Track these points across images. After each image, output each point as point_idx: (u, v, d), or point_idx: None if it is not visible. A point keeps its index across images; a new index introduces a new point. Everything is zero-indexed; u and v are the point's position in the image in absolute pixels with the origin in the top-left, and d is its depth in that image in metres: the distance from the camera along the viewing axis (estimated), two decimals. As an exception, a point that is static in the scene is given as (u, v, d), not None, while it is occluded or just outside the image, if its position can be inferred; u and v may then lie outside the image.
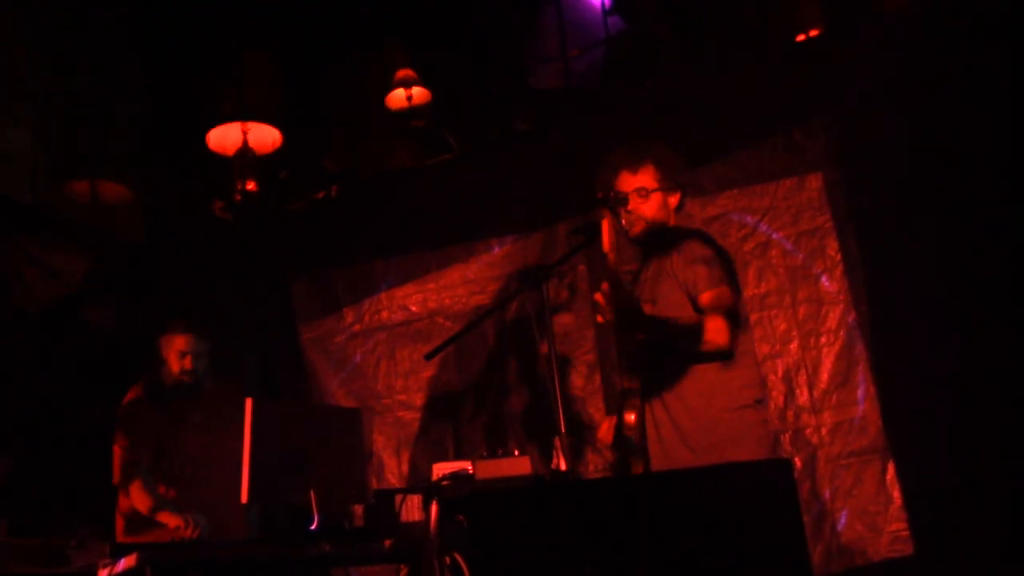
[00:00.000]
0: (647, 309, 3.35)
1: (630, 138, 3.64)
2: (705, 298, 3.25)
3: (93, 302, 5.57)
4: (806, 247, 4.54)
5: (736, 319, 3.27)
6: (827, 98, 4.50)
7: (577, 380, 4.90)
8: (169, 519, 4.04)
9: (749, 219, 4.59)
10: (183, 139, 5.78)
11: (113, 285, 5.67)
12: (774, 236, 4.55)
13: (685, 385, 3.24)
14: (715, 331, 3.21)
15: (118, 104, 6.15)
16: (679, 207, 3.52)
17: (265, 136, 5.47)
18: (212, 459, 4.26)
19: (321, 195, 5.62)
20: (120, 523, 4.25)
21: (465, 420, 5.15)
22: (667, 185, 3.46)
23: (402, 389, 5.34)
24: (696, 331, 3.21)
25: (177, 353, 4.38)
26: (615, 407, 3.40)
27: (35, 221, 5.44)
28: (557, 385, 3.55)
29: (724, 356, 3.24)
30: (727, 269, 3.33)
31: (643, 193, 3.44)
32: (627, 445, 3.27)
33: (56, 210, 5.65)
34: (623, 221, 3.37)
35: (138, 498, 4.14)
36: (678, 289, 3.31)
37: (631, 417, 3.24)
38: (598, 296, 3.28)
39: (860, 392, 4.32)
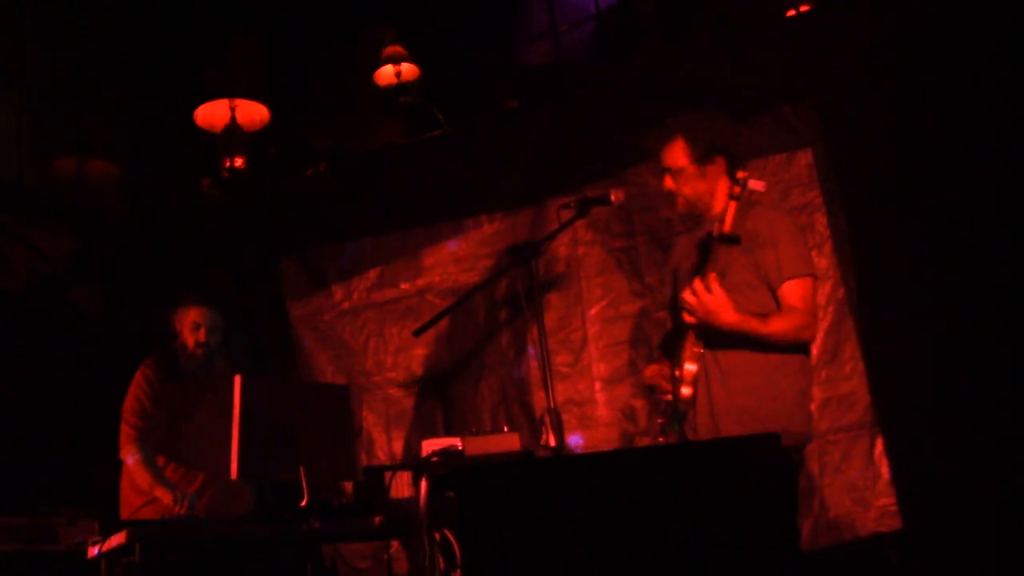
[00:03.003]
0: (717, 283, 3.20)
1: (616, 113, 3.60)
2: (785, 291, 3.22)
3: (78, 281, 5.54)
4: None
5: (814, 306, 3.25)
6: (818, 74, 4.47)
7: (566, 356, 4.89)
8: (164, 494, 4.03)
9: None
10: (170, 116, 5.74)
11: (99, 264, 5.63)
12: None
13: (745, 365, 3.21)
14: (798, 329, 3.18)
15: (105, 81, 6.11)
16: (730, 173, 3.36)
17: (253, 113, 5.45)
18: (223, 439, 4.25)
19: (310, 172, 5.58)
20: (124, 495, 4.24)
21: (455, 397, 5.15)
22: (698, 156, 3.39)
23: (392, 366, 5.33)
24: (775, 333, 3.16)
25: (191, 326, 4.37)
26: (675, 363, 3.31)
27: (19, 200, 5.40)
28: (546, 361, 3.55)
29: (804, 347, 3.25)
30: (800, 249, 3.28)
31: (676, 171, 3.41)
32: (679, 417, 3.24)
33: (41, 188, 5.62)
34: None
35: (137, 472, 4.14)
36: (750, 268, 3.26)
37: (687, 391, 3.23)
38: (688, 295, 3.18)
39: (849, 368, 4.32)
